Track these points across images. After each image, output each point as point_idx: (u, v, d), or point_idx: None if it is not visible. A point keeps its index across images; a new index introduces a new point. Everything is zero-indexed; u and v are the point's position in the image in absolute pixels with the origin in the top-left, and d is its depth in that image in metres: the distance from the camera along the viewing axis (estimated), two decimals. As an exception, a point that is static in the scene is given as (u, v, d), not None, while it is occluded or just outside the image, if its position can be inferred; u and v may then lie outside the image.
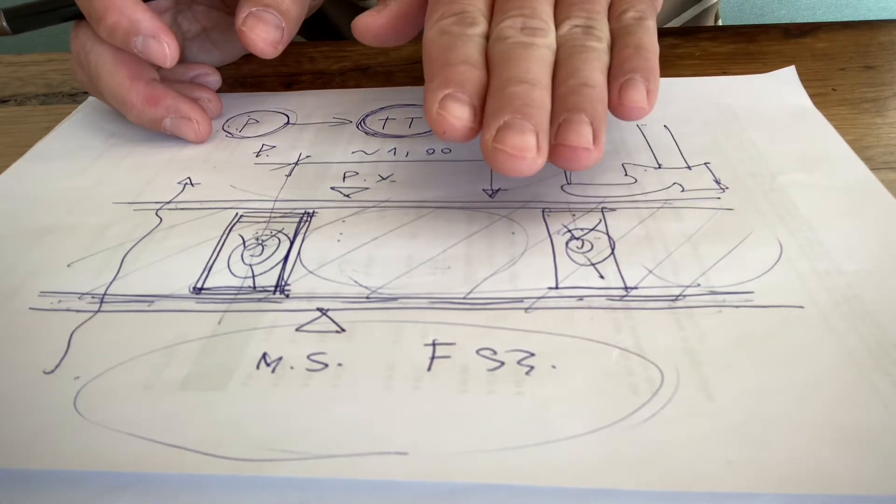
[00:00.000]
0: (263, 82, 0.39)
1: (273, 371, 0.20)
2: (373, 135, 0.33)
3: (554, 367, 0.20)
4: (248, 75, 0.40)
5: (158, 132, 0.32)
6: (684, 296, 0.22)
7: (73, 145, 0.33)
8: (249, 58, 0.42)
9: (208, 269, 0.24)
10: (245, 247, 0.25)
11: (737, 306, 0.21)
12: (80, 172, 0.30)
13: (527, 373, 0.19)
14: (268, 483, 0.17)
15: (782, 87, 0.35)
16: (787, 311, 0.21)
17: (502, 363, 0.20)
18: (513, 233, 0.25)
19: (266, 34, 0.30)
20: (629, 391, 0.19)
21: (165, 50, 0.30)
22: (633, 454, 0.17)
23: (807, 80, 0.36)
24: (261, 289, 0.23)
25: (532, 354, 0.20)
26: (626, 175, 0.28)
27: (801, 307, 0.21)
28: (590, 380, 0.19)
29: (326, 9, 0.56)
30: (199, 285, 0.23)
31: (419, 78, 0.39)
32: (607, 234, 0.25)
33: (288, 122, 0.34)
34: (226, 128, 0.34)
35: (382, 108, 0.35)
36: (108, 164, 0.31)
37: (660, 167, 0.29)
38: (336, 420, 0.18)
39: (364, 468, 0.17)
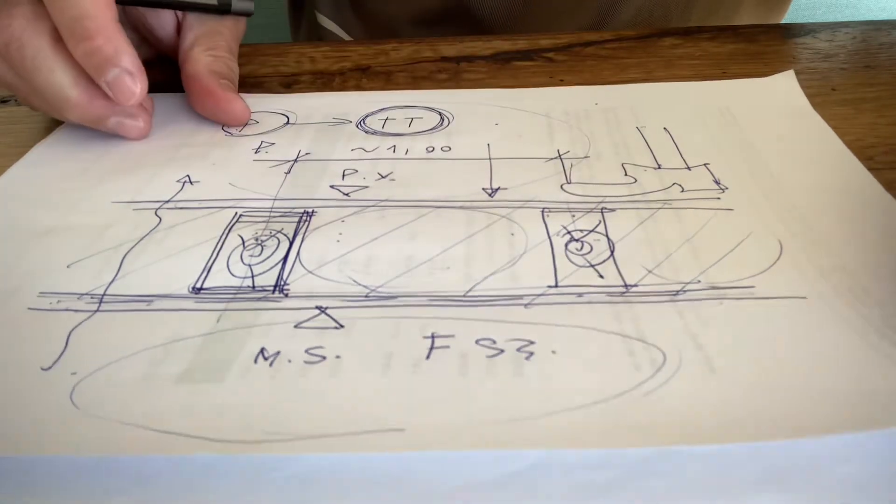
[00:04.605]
0: (263, 82, 0.39)
1: (271, 365, 0.20)
2: (372, 133, 0.33)
3: (554, 352, 0.20)
4: (248, 75, 0.40)
5: (98, 130, 0.32)
6: (685, 291, 0.22)
7: (73, 145, 0.33)
8: (249, 58, 0.42)
9: (207, 269, 0.24)
10: (244, 247, 0.25)
11: (738, 298, 0.22)
12: (81, 172, 0.30)
13: (527, 358, 0.20)
14: (264, 463, 0.17)
15: (781, 90, 0.35)
16: (789, 301, 0.21)
17: (502, 350, 0.20)
18: (512, 234, 0.25)
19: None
20: (632, 369, 0.19)
21: (136, 88, 0.29)
22: (637, 421, 0.17)
23: (807, 79, 0.36)
24: (260, 288, 0.23)
25: (532, 342, 0.20)
26: (625, 175, 0.28)
27: (804, 297, 0.21)
28: (591, 362, 0.19)
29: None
30: (198, 285, 0.23)
31: (418, 78, 0.39)
32: (606, 235, 0.25)
33: (288, 123, 0.34)
34: (225, 128, 0.34)
35: (382, 109, 0.35)
36: (107, 163, 0.31)
37: (659, 167, 0.29)
38: (333, 403, 0.18)
39: (360, 445, 0.17)
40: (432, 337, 0.21)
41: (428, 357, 0.20)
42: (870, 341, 0.20)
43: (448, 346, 0.20)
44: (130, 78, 0.29)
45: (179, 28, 0.36)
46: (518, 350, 0.20)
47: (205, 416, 0.18)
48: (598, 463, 0.17)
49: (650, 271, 0.23)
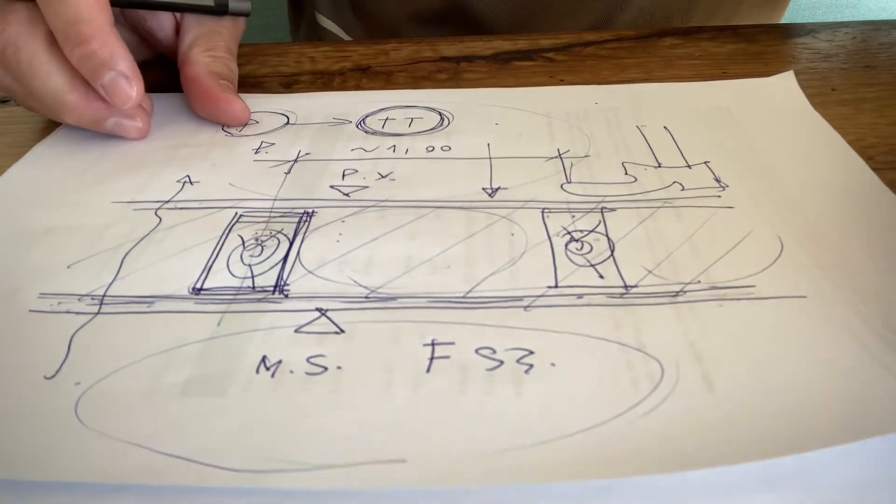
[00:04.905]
0: (263, 82, 0.39)
1: (272, 376, 0.20)
2: (372, 133, 0.33)
3: (553, 364, 0.20)
4: (248, 75, 0.40)
5: (96, 131, 0.32)
6: (685, 292, 0.22)
7: (72, 146, 0.33)
8: (249, 58, 0.42)
9: (207, 269, 0.24)
10: (244, 247, 0.25)
11: (738, 299, 0.21)
12: (80, 172, 0.30)
13: (526, 371, 0.19)
14: (267, 494, 0.17)
15: (781, 90, 0.35)
16: (789, 301, 0.21)
17: (501, 362, 0.20)
18: (512, 234, 0.25)
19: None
20: (630, 386, 0.19)
21: (132, 92, 0.30)
22: (633, 446, 0.17)
23: (807, 79, 0.36)
24: (260, 289, 0.23)
25: (531, 352, 0.20)
26: (626, 174, 0.28)
27: (804, 297, 0.21)
28: (589, 377, 0.19)
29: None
30: (198, 286, 0.23)
31: (419, 78, 0.39)
32: (607, 235, 0.25)
33: (288, 123, 0.34)
34: (225, 128, 0.34)
35: (382, 109, 0.35)
36: (107, 163, 0.31)
37: (660, 166, 0.29)
38: (335, 428, 0.18)
39: (363, 478, 0.17)
40: (433, 344, 0.20)
41: (428, 370, 0.20)
42: (867, 346, 0.20)
43: (448, 356, 0.20)
44: (126, 81, 0.29)
45: (178, 29, 0.36)
46: (517, 362, 0.20)
47: (208, 437, 0.18)
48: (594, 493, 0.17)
49: (650, 271, 0.23)
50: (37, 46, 0.30)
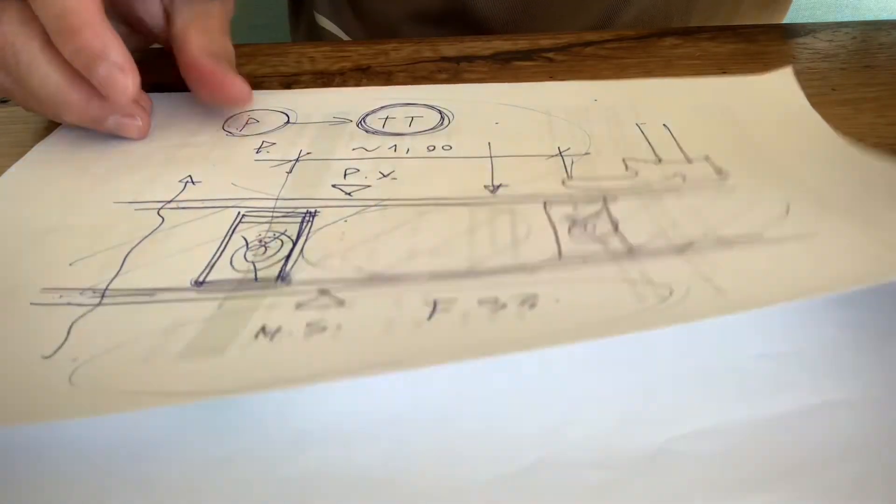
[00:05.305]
0: (264, 82, 0.39)
1: (271, 340, 0.20)
2: (373, 133, 0.33)
3: (558, 300, 0.21)
4: (247, 75, 0.40)
5: (97, 130, 0.32)
6: (692, 245, 0.23)
7: (73, 145, 0.32)
8: (249, 58, 0.42)
9: (210, 266, 0.24)
10: (248, 248, 0.25)
11: (748, 244, 0.23)
12: (81, 173, 0.30)
13: (531, 306, 0.21)
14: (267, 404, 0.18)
15: (780, 87, 0.35)
16: (800, 237, 0.23)
17: (505, 305, 0.21)
18: (514, 222, 0.25)
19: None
20: (636, 301, 0.20)
21: (127, 82, 0.29)
22: (644, 320, 0.19)
23: (807, 79, 0.36)
24: (262, 280, 0.23)
25: (536, 295, 0.21)
26: (626, 169, 0.29)
27: (815, 234, 0.23)
28: (597, 304, 0.20)
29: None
30: (200, 279, 0.23)
31: (418, 78, 0.39)
32: (610, 218, 0.25)
33: (288, 122, 0.34)
34: (226, 127, 0.34)
35: (383, 107, 0.35)
36: (108, 163, 0.31)
37: (660, 161, 0.29)
38: (335, 359, 0.19)
39: (357, 376, 0.19)
40: (434, 302, 0.21)
41: (430, 318, 0.21)
42: (878, 251, 0.21)
43: (450, 309, 0.21)
44: (121, 72, 0.29)
45: (167, 15, 0.36)
46: (521, 303, 0.21)
47: (205, 377, 0.19)
48: (598, 462, 0.17)
49: (655, 237, 0.24)
50: (34, 47, 0.30)
